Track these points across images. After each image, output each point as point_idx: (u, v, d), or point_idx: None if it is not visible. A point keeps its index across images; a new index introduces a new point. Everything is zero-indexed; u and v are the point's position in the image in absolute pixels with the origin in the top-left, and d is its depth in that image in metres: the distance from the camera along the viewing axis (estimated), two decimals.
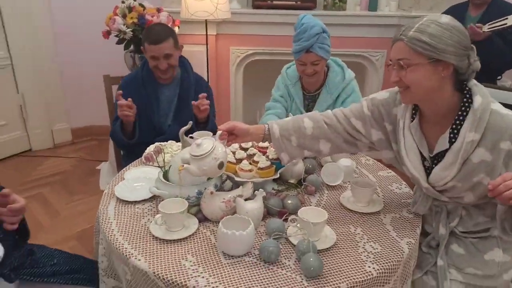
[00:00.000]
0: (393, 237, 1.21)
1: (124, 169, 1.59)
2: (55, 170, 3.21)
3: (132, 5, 2.53)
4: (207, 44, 2.85)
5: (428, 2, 2.99)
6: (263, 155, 1.44)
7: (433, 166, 1.21)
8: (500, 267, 1.23)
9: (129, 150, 1.98)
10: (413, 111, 1.24)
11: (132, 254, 1.09)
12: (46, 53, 3.33)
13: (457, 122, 1.14)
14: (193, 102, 1.82)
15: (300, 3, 3.11)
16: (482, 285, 1.23)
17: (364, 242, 1.18)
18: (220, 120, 3.38)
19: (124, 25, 2.49)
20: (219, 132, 1.26)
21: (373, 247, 1.16)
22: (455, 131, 1.14)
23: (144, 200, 1.35)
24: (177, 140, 1.71)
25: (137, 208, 1.32)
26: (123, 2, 2.54)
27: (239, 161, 1.38)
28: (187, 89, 2.01)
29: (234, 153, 1.43)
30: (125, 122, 1.83)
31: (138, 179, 1.46)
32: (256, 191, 1.24)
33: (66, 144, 3.68)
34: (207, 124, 1.91)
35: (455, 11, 2.68)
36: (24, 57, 3.22)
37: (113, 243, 1.14)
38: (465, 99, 1.13)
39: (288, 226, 1.20)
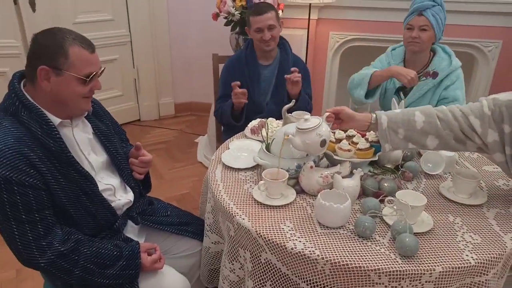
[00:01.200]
0: (496, 231, 1.17)
1: (229, 139, 1.74)
2: (160, 139, 3.56)
3: None
4: (308, 28, 2.89)
5: None
6: (362, 137, 1.47)
7: None
8: None
9: (231, 127, 2.14)
10: None
11: (237, 213, 1.22)
12: (160, 32, 3.66)
13: None
14: (286, 76, 1.92)
15: None
16: None
17: (463, 232, 1.17)
18: (313, 106, 3.44)
19: (233, 7, 2.64)
20: (326, 114, 1.31)
21: (472, 237, 1.14)
22: None
23: (247, 168, 1.47)
24: (276, 118, 1.81)
25: (241, 175, 1.45)
26: None
27: (339, 140, 1.43)
28: (285, 70, 2.10)
29: (334, 133, 1.48)
30: (236, 107, 1.99)
31: (241, 149, 1.59)
32: (354, 170, 1.29)
33: (170, 117, 4.04)
34: (298, 101, 1.99)
35: None
36: (142, 35, 3.59)
37: (221, 202, 1.28)
38: None
39: (384, 207, 1.23)
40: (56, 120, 1.14)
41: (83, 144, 1.23)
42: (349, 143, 1.43)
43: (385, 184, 1.33)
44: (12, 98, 1.11)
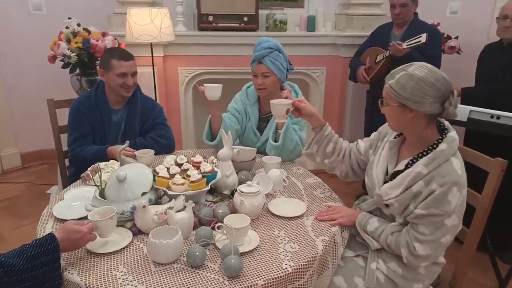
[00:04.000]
0: (311, 236, 1.35)
1: (64, 189, 1.65)
2: (3, 196, 3.15)
3: (77, 30, 2.60)
4: (153, 65, 2.95)
5: (359, 22, 3.25)
6: (197, 169, 1.55)
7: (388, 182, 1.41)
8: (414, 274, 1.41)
9: (78, 170, 2.03)
10: (398, 134, 1.45)
11: (66, 268, 1.16)
12: None
13: (420, 155, 1.33)
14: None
15: (244, 25, 3.29)
16: (398, 283, 1.40)
17: (285, 243, 1.31)
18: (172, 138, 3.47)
19: (68, 49, 2.55)
20: (291, 101, 1.63)
21: (292, 247, 1.29)
22: (415, 160, 1.34)
23: (82, 218, 1.42)
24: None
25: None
26: (67, 28, 2.60)
27: (172, 176, 1.49)
28: (133, 113, 2.11)
29: (168, 168, 1.53)
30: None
31: (76, 198, 1.53)
32: (186, 203, 1.35)
33: (16, 169, 3.62)
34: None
35: (382, 30, 2.95)
36: None
37: None
38: (439, 138, 1.32)
39: (217, 234, 1.32)
40: None
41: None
42: (183, 177, 1.49)
43: (220, 211, 1.42)
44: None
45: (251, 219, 1.42)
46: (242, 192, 1.43)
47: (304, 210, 1.50)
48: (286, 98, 1.77)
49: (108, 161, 1.78)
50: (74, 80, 2.79)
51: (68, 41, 2.56)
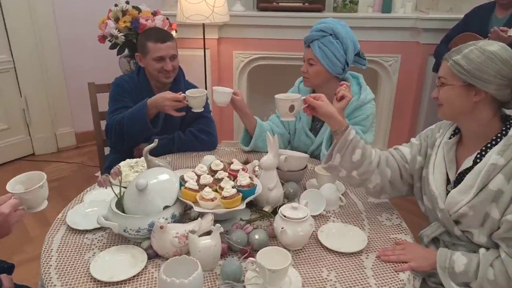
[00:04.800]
0: (370, 285, 1.02)
1: (88, 188, 1.47)
2: (54, 176, 3.15)
3: (126, 8, 2.42)
4: (204, 48, 2.71)
5: (447, 3, 2.74)
6: (233, 179, 1.28)
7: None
8: None
9: (118, 148, 1.88)
10: (453, 132, 1.22)
11: None
12: (49, 56, 3.28)
13: (488, 145, 1.10)
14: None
15: (308, 5, 2.93)
16: None
17: None
18: (223, 128, 3.25)
19: (116, 29, 2.39)
20: (302, 97, 1.34)
21: None
22: (483, 153, 1.11)
23: (97, 229, 1.22)
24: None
25: (87, 238, 1.19)
26: (116, 5, 2.43)
27: (203, 187, 1.22)
28: None
29: (199, 177, 1.27)
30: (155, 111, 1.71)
31: (94, 203, 1.33)
32: (213, 227, 1.08)
33: (70, 148, 3.64)
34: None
35: (479, 12, 2.43)
36: (27, 60, 3.19)
37: (47, 285, 1.01)
38: (504, 128, 1.10)
39: (248, 269, 1.04)
40: None
41: None
42: (215, 189, 1.23)
43: (255, 237, 1.14)
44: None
45: (294, 250, 1.13)
46: (284, 216, 1.13)
47: (364, 245, 1.16)
48: (341, 97, 1.44)
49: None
50: (123, 61, 2.65)
51: (116, 20, 2.39)
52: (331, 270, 1.08)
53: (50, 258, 1.09)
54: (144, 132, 1.71)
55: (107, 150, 2.16)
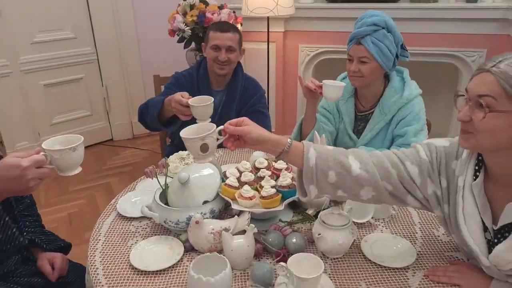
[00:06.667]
0: None
1: (142, 177, 1.54)
2: (129, 160, 3.39)
3: (193, 2, 2.48)
4: (268, 42, 2.68)
5: None
6: (276, 179, 1.24)
7: (495, 240, 0.92)
8: None
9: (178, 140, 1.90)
10: (476, 167, 0.95)
11: (100, 282, 1.02)
12: (128, 49, 3.51)
13: None
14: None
15: None
16: None
17: None
18: (287, 124, 3.21)
19: (183, 23, 2.46)
20: (219, 127, 0.99)
21: None
22: None
23: (142, 217, 1.27)
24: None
25: (133, 225, 1.25)
26: (184, 0, 2.51)
27: (243, 185, 1.21)
28: (231, 98, 1.91)
29: (241, 174, 1.26)
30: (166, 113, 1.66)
31: (144, 192, 1.39)
32: (247, 226, 1.06)
33: (144, 135, 3.87)
34: None
35: None
36: (109, 53, 3.45)
37: (91, 267, 1.08)
38: None
39: (279, 274, 1.00)
40: None
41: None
42: (256, 187, 1.21)
43: (293, 241, 1.10)
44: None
45: (333, 258, 1.07)
46: (323, 222, 1.07)
47: (411, 260, 1.06)
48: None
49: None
50: (191, 55, 2.73)
51: (184, 14, 2.47)
52: (371, 284, 1.00)
53: (97, 242, 1.17)
54: (156, 125, 1.73)
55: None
